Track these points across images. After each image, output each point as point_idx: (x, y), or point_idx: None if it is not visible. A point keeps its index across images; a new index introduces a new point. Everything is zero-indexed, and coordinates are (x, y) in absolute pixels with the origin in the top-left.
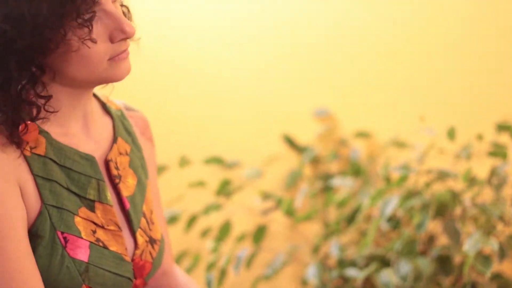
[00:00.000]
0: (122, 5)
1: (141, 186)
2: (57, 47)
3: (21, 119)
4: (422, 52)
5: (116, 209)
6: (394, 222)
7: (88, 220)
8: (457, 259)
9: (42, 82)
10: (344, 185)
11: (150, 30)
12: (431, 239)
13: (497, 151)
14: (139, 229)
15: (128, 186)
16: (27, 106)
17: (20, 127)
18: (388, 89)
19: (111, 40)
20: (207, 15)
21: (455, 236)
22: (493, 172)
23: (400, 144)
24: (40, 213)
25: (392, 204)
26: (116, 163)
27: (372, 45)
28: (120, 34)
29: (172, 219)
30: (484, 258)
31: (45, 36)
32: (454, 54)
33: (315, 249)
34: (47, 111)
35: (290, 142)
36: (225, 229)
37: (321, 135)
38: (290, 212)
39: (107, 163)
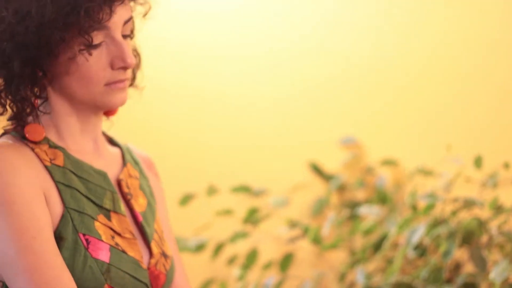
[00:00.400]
0: (134, 52)
1: (151, 208)
2: (58, 52)
3: (22, 115)
4: (449, 80)
5: (132, 223)
6: (421, 250)
7: (107, 226)
8: (483, 287)
9: (41, 85)
10: (370, 213)
11: (176, 60)
12: (457, 267)
13: None
14: (153, 240)
15: (139, 204)
16: (20, 103)
17: (26, 127)
18: (415, 117)
19: (112, 66)
20: (233, 45)
21: (482, 264)
22: None
23: (426, 173)
24: (62, 217)
25: (419, 232)
26: (127, 183)
27: (399, 73)
28: (120, 62)
29: (199, 247)
30: (510, 287)
31: (47, 37)
32: (480, 82)
33: (342, 277)
34: (40, 111)
35: (317, 170)
36: (251, 257)
37: (347, 163)
38: (317, 240)
39: (119, 182)
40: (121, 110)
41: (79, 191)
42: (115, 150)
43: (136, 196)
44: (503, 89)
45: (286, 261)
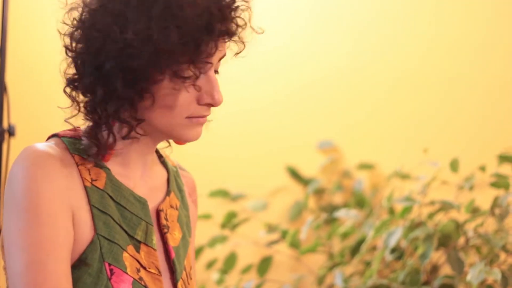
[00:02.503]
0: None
1: (185, 241)
2: (162, 80)
3: (107, 134)
4: (425, 85)
5: (160, 255)
6: (398, 252)
7: (134, 258)
8: None
9: (136, 108)
10: (348, 216)
11: None
12: (434, 269)
13: (500, 182)
14: (180, 279)
15: (174, 238)
16: (119, 123)
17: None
18: (392, 121)
19: (198, 101)
20: None
21: (459, 266)
22: (496, 203)
23: (403, 176)
24: (91, 242)
25: (396, 235)
26: (166, 214)
27: (376, 78)
28: (209, 99)
29: None
30: None
31: (162, 63)
32: (456, 87)
33: (320, 280)
34: (137, 133)
35: (295, 174)
36: (230, 261)
37: (325, 167)
38: (294, 244)
39: (158, 212)
40: None
41: (113, 218)
42: (163, 174)
43: (173, 229)
44: (478, 93)
45: (264, 265)
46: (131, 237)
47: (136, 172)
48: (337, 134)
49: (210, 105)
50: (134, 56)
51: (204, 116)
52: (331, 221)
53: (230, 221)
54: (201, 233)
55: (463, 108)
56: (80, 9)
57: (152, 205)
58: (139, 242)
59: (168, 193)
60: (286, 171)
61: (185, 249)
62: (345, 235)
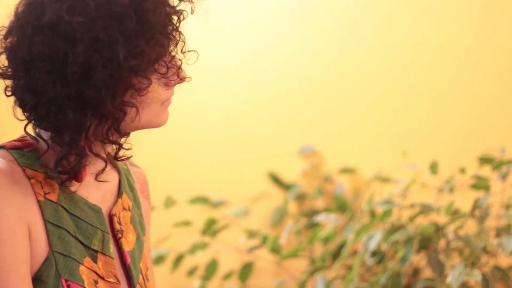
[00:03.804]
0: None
1: (139, 242)
2: (148, 86)
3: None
4: (403, 89)
5: (116, 262)
6: (379, 256)
7: (92, 270)
8: None
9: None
10: (328, 220)
11: None
12: (415, 272)
13: (480, 184)
14: (138, 285)
15: (129, 241)
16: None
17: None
18: (371, 125)
19: (168, 85)
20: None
21: (439, 269)
22: (476, 205)
23: (383, 179)
24: (46, 259)
25: (376, 238)
26: (119, 218)
27: (355, 83)
28: (177, 80)
29: (159, 259)
30: None
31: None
32: (434, 90)
33: (302, 285)
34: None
35: (276, 179)
36: (211, 268)
37: (306, 172)
38: (275, 249)
39: (111, 217)
40: None
41: (68, 232)
42: (114, 175)
43: (127, 232)
44: (456, 96)
45: (245, 271)
46: (88, 247)
47: (89, 178)
48: (317, 139)
49: (179, 83)
50: (135, 70)
51: (169, 99)
52: (312, 226)
53: (210, 228)
54: (182, 240)
55: (443, 110)
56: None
57: (105, 210)
58: (96, 252)
59: (120, 195)
60: (267, 176)
61: (140, 251)
62: (326, 240)
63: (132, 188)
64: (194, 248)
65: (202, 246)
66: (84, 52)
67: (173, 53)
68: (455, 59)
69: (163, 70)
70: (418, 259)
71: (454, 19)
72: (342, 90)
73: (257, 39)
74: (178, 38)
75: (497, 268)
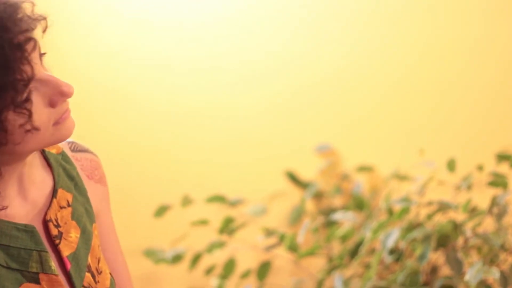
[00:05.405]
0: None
1: (85, 235)
2: (6, 117)
3: None
4: (421, 86)
5: (60, 273)
6: (397, 254)
7: None
8: None
9: None
10: (345, 219)
11: (150, 73)
12: (434, 270)
13: (498, 181)
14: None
15: (70, 242)
16: None
17: None
18: (389, 123)
19: (52, 105)
20: (205, 58)
21: (457, 267)
22: (494, 202)
23: (401, 177)
24: None
25: (393, 236)
26: (56, 220)
27: (372, 81)
28: (60, 98)
29: (176, 258)
30: None
31: None
32: (452, 87)
33: (319, 284)
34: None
35: (293, 178)
36: (229, 267)
37: (323, 171)
38: (293, 248)
39: (45, 223)
40: (96, 123)
41: None
42: (45, 173)
43: (68, 231)
44: (474, 92)
45: (263, 270)
46: (26, 272)
47: (13, 193)
48: (334, 137)
49: (66, 99)
50: None
51: (66, 110)
52: (330, 224)
53: (228, 227)
54: (199, 239)
55: (460, 107)
56: None
57: (38, 218)
58: (37, 273)
59: (54, 194)
60: (285, 175)
61: (87, 245)
62: (343, 238)
63: (71, 178)
64: (212, 247)
65: (220, 245)
66: None
67: (41, 74)
68: (473, 56)
69: (23, 96)
70: (436, 257)
71: (471, 9)
72: (359, 88)
73: (271, 37)
74: (39, 54)
75: None
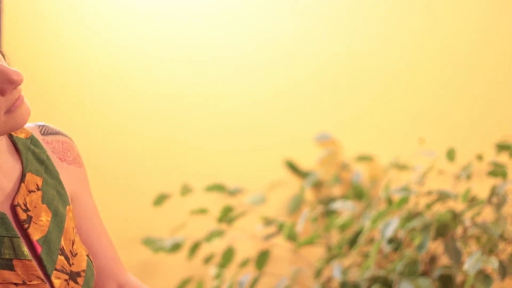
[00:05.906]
0: None
1: (58, 218)
2: None
3: None
4: (420, 75)
5: (31, 257)
6: (396, 243)
7: (5, 283)
8: (458, 278)
9: None
10: (344, 208)
11: (151, 61)
12: (432, 260)
13: (497, 171)
14: (54, 271)
15: (41, 225)
16: None
17: None
18: (388, 112)
19: (1, 93)
20: (207, 47)
21: (456, 256)
22: (493, 192)
23: (400, 167)
24: None
25: (392, 225)
26: (25, 204)
27: (372, 70)
28: (10, 86)
29: (175, 247)
30: (484, 277)
31: None
32: (452, 76)
33: (318, 273)
34: None
35: (292, 167)
36: (228, 255)
37: (323, 160)
38: (292, 237)
39: (14, 208)
40: (94, 112)
41: None
42: (13, 159)
43: (38, 215)
44: (474, 82)
45: (262, 259)
46: None
47: None
48: (334, 127)
49: (16, 87)
50: None
51: (18, 98)
52: (329, 213)
53: (227, 215)
54: (198, 228)
55: (459, 97)
56: None
57: (7, 204)
58: (10, 259)
59: (22, 178)
60: (284, 164)
61: (59, 228)
62: (343, 227)
63: (41, 161)
64: (211, 236)
65: (219, 233)
66: None
67: None
68: (473, 46)
69: None
70: (435, 246)
71: (471, 1)
72: (360, 77)
73: (273, 26)
74: None
75: None
